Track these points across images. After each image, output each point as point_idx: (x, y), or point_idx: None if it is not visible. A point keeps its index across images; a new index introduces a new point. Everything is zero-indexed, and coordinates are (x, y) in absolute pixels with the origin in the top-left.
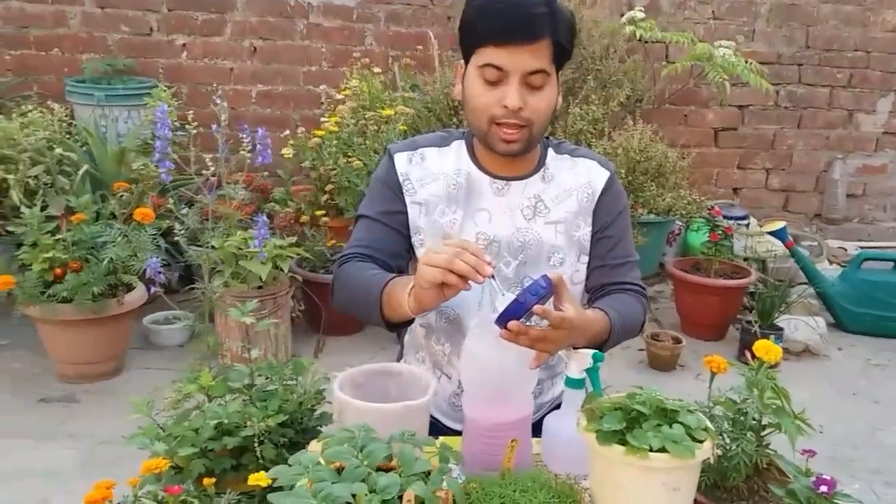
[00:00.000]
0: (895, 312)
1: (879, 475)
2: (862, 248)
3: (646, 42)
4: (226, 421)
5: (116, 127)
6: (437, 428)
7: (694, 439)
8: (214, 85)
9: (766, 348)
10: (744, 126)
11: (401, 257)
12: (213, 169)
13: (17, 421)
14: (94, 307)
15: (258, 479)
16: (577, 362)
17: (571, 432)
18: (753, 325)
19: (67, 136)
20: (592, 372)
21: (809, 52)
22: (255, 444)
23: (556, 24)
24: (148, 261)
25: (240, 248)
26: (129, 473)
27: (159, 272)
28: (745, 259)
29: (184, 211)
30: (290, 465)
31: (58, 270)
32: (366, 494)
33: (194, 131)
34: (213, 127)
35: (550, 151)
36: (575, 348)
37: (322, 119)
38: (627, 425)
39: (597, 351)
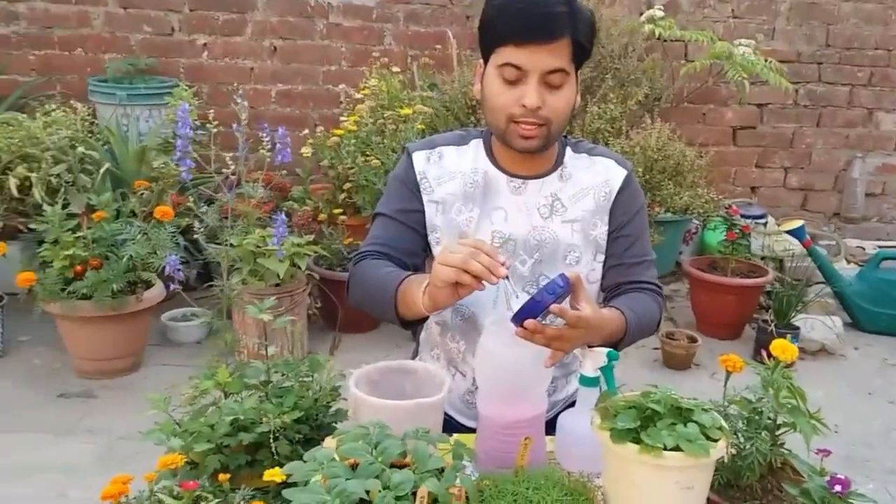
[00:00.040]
0: None
1: (894, 475)
2: (880, 247)
3: (665, 41)
4: (241, 417)
5: (138, 126)
6: (451, 425)
7: (708, 438)
8: (235, 84)
9: (782, 348)
10: (762, 125)
11: (416, 255)
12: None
13: (37, 416)
14: (113, 304)
15: (273, 474)
16: (592, 361)
17: (585, 430)
18: (770, 324)
19: (89, 134)
20: (607, 370)
21: (829, 51)
22: (271, 441)
23: (575, 24)
24: (167, 258)
25: (258, 246)
26: (145, 468)
27: (178, 269)
28: (763, 258)
29: (203, 209)
30: (304, 462)
31: (78, 267)
32: (379, 491)
33: (214, 130)
34: (234, 126)
35: (568, 150)
36: (590, 347)
37: (341, 118)
38: (642, 424)
39: (612, 349)
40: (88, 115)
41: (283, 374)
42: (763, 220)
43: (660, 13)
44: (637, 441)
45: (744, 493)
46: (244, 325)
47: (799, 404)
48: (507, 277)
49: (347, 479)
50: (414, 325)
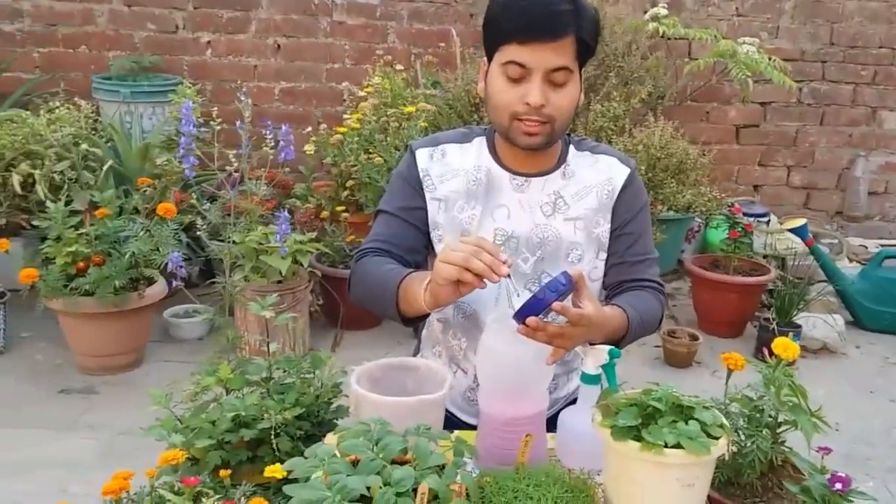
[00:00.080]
0: None
1: (894, 473)
2: (883, 245)
3: (669, 39)
4: (243, 413)
5: (141, 123)
6: (452, 422)
7: (709, 436)
8: (238, 82)
9: (784, 346)
10: (766, 123)
11: (418, 253)
12: (235, 165)
13: (38, 412)
14: (115, 300)
15: (274, 471)
16: (594, 358)
17: (586, 428)
18: (771, 322)
19: (93, 132)
20: (608, 368)
21: (834, 49)
22: (272, 437)
23: (579, 22)
24: (170, 255)
25: (260, 243)
26: (146, 464)
27: (181, 266)
28: (765, 256)
29: (206, 206)
30: (305, 458)
31: (80, 264)
32: (380, 487)
33: (218, 127)
34: (237, 123)
35: (571, 148)
36: (591, 344)
37: (344, 116)
38: (643, 421)
39: (613, 347)
40: (92, 112)
41: (284, 371)
42: (765, 219)
43: (664, 11)
44: (638, 438)
45: (744, 491)
46: (246, 321)
47: (800, 402)
48: (508, 276)
49: (348, 475)
50: (415, 323)
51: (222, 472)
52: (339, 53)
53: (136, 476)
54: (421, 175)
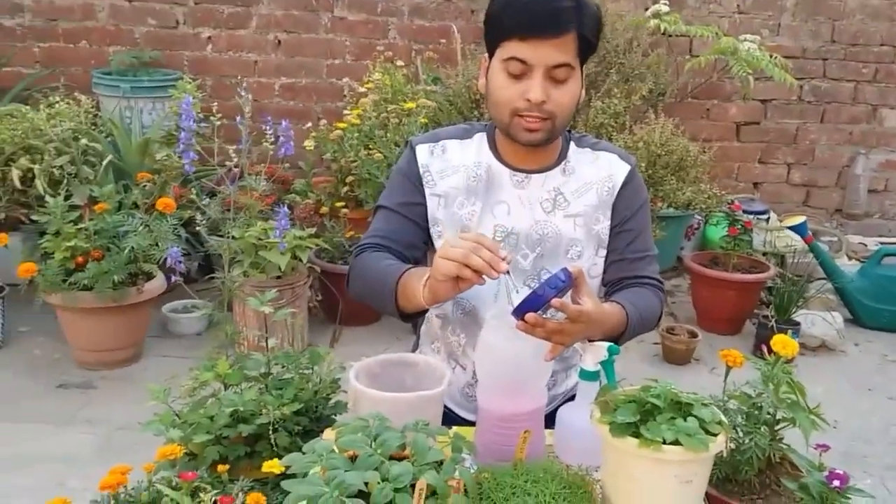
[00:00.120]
0: None
1: (892, 471)
2: (882, 243)
3: (670, 36)
4: (241, 409)
5: (141, 118)
6: (450, 418)
7: (708, 432)
8: (239, 77)
9: (783, 343)
10: (766, 120)
11: (417, 248)
12: (235, 160)
13: (36, 406)
14: (114, 295)
15: (272, 466)
16: (593, 355)
17: (585, 424)
18: (770, 319)
19: (93, 127)
20: (607, 364)
21: (835, 47)
22: (270, 432)
23: (581, 18)
24: (169, 250)
25: (260, 239)
26: (144, 459)
27: (180, 261)
28: (764, 254)
29: (205, 201)
30: (303, 453)
31: (79, 259)
32: (378, 483)
33: (218, 123)
34: (237, 119)
35: (572, 145)
36: (590, 341)
37: (344, 112)
38: (641, 418)
39: (612, 344)
40: (92, 107)
41: (283, 366)
42: (765, 216)
43: (665, 8)
44: (637, 435)
45: (742, 488)
46: (245, 317)
47: (798, 400)
48: (508, 272)
49: (346, 470)
50: (413, 318)
51: (220, 468)
52: (339, 49)
53: (133, 471)
54: (421, 171)
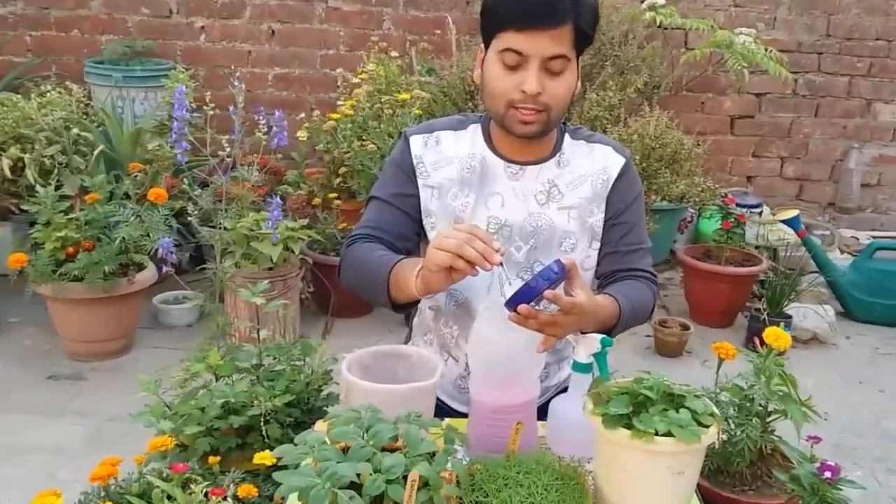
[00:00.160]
0: None
1: (882, 463)
2: (874, 237)
3: (665, 28)
4: (232, 400)
5: (133, 108)
6: (442, 410)
7: (700, 424)
8: (232, 67)
9: (775, 335)
10: (760, 114)
11: (408, 240)
12: (228, 150)
13: (26, 397)
14: (104, 286)
15: (263, 457)
16: (585, 347)
17: (577, 416)
18: (762, 312)
19: (84, 116)
20: (600, 356)
21: (830, 41)
22: (261, 424)
23: (578, 9)
24: (160, 240)
25: (252, 230)
26: (135, 451)
27: (171, 252)
28: (757, 247)
29: (197, 192)
30: (295, 445)
31: (70, 249)
32: (370, 474)
33: (211, 113)
34: (230, 109)
35: (567, 137)
36: (583, 333)
37: (338, 102)
38: (634, 409)
39: (605, 336)
40: (84, 96)
41: (274, 358)
42: (758, 210)
43: (661, 1)
44: (629, 426)
45: (734, 479)
46: (236, 308)
47: (790, 392)
48: (501, 264)
49: (338, 462)
50: (405, 309)
51: (211, 459)
52: (333, 40)
53: (124, 462)
54: (414, 162)
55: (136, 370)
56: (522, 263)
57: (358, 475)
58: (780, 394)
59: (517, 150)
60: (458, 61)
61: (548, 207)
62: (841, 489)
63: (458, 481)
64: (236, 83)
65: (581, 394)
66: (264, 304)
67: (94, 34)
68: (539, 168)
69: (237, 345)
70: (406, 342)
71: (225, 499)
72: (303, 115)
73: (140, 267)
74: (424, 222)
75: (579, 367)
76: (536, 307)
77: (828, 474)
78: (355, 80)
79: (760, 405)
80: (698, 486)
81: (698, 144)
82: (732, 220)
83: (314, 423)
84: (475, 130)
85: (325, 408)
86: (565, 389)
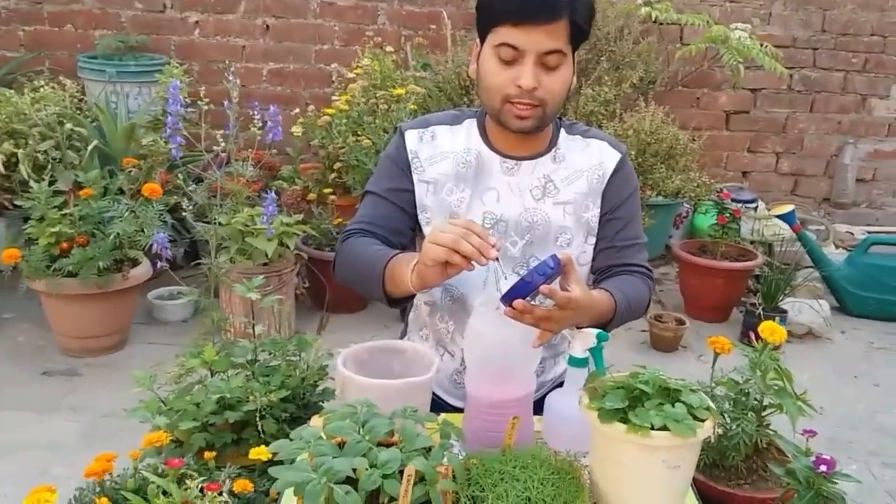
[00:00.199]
0: None
1: (877, 457)
2: (869, 232)
3: (661, 24)
4: (228, 395)
5: (127, 103)
6: (438, 405)
7: (696, 418)
8: (227, 62)
9: (771, 329)
10: (756, 109)
11: (403, 235)
12: (222, 146)
13: (20, 393)
14: (99, 282)
15: (259, 453)
16: (581, 341)
17: (573, 410)
18: (757, 307)
19: (78, 111)
20: (596, 351)
21: (825, 36)
22: (257, 419)
23: (574, 4)
24: (155, 236)
25: (246, 225)
26: (130, 446)
27: (166, 247)
28: (752, 242)
29: (192, 187)
30: (291, 440)
31: (64, 245)
32: (366, 469)
33: (205, 108)
34: (225, 104)
35: (562, 132)
36: (579, 328)
37: (333, 98)
38: (629, 404)
39: (601, 331)
40: (77, 91)
41: (270, 353)
42: (753, 205)
43: None
44: (625, 421)
45: (729, 473)
46: (231, 303)
47: (785, 386)
48: (497, 259)
49: (334, 457)
50: (400, 304)
51: (207, 455)
52: (328, 34)
53: (119, 458)
54: (410, 157)
55: (131, 366)
56: (518, 258)
57: (354, 470)
58: (776, 388)
59: (513, 145)
60: (454, 56)
61: (543, 203)
62: (836, 483)
63: (454, 476)
64: (231, 78)
65: (577, 388)
66: (259, 299)
67: (88, 29)
68: (535, 163)
69: (232, 340)
70: (402, 337)
71: (220, 494)
72: (297, 110)
73: (134, 262)
74: (419, 217)
75: (575, 362)
76: (532, 302)
77: (823, 468)
78: (350, 76)
79: (756, 399)
80: (694, 479)
81: (694, 140)
82: (728, 215)
83: (310, 419)
84: (471, 125)
85: (320, 403)
86: (561, 384)
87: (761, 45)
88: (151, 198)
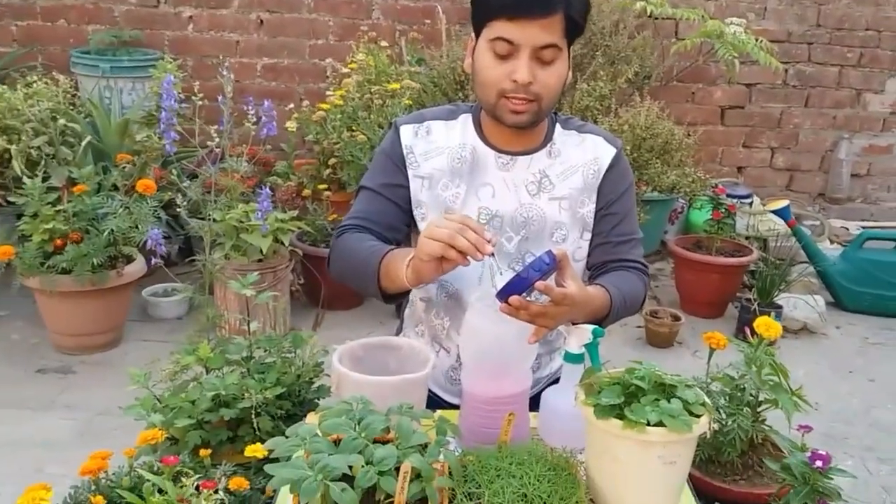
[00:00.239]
0: (895, 292)
1: (872, 452)
2: (864, 227)
3: (656, 18)
4: (223, 393)
5: (121, 99)
6: (434, 402)
7: (691, 414)
8: (221, 57)
9: (766, 325)
10: (751, 104)
11: (398, 231)
12: (216, 141)
13: (15, 391)
14: (93, 278)
15: (255, 450)
16: (577, 337)
17: (569, 406)
18: (753, 302)
19: (71, 107)
20: (592, 347)
21: (820, 31)
22: (253, 416)
23: None
24: (149, 232)
25: (241, 221)
26: (125, 444)
27: (160, 244)
28: (747, 237)
29: (186, 183)
30: (287, 437)
31: (58, 241)
32: (362, 466)
33: (199, 103)
34: (219, 99)
35: (558, 127)
36: (574, 324)
37: (327, 93)
38: (625, 400)
39: (597, 326)
40: (71, 87)
41: (265, 350)
42: (749, 200)
43: None
44: (621, 417)
45: (725, 469)
46: (226, 300)
47: (781, 381)
48: (492, 255)
49: (330, 454)
50: (396, 300)
51: (202, 452)
52: (322, 29)
53: (114, 456)
54: (405, 152)
55: (126, 363)
56: (514, 254)
57: (350, 467)
58: (771, 383)
59: (508, 141)
60: (449, 51)
61: (539, 198)
62: (831, 478)
63: (450, 472)
64: (225, 73)
65: (573, 384)
66: (254, 295)
67: (81, 24)
68: (530, 158)
69: (227, 337)
70: (397, 334)
71: (216, 492)
72: (292, 105)
73: (129, 259)
74: (415, 213)
75: (571, 358)
76: (528, 298)
77: (818, 463)
78: (345, 71)
79: (751, 395)
80: (690, 475)
81: (689, 135)
82: (723, 210)
83: (305, 416)
84: (466, 120)
85: (316, 400)
86: (557, 380)
87: (756, 40)
88: (145, 194)
